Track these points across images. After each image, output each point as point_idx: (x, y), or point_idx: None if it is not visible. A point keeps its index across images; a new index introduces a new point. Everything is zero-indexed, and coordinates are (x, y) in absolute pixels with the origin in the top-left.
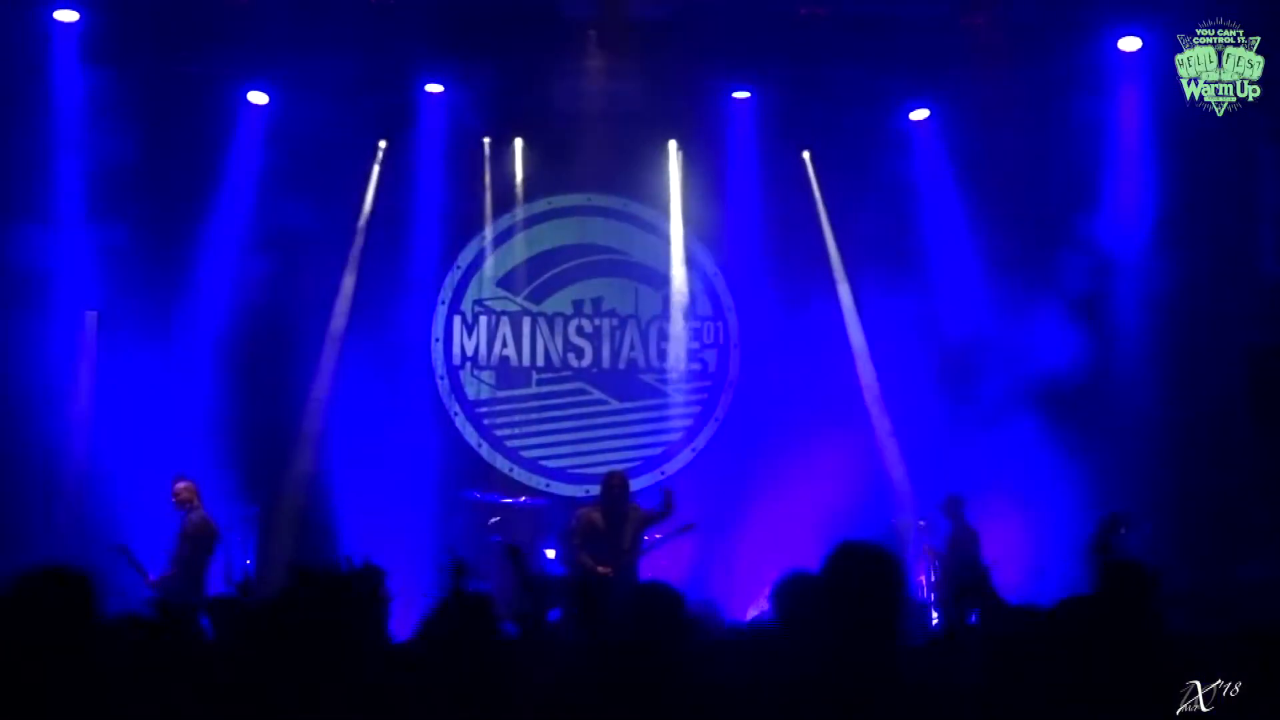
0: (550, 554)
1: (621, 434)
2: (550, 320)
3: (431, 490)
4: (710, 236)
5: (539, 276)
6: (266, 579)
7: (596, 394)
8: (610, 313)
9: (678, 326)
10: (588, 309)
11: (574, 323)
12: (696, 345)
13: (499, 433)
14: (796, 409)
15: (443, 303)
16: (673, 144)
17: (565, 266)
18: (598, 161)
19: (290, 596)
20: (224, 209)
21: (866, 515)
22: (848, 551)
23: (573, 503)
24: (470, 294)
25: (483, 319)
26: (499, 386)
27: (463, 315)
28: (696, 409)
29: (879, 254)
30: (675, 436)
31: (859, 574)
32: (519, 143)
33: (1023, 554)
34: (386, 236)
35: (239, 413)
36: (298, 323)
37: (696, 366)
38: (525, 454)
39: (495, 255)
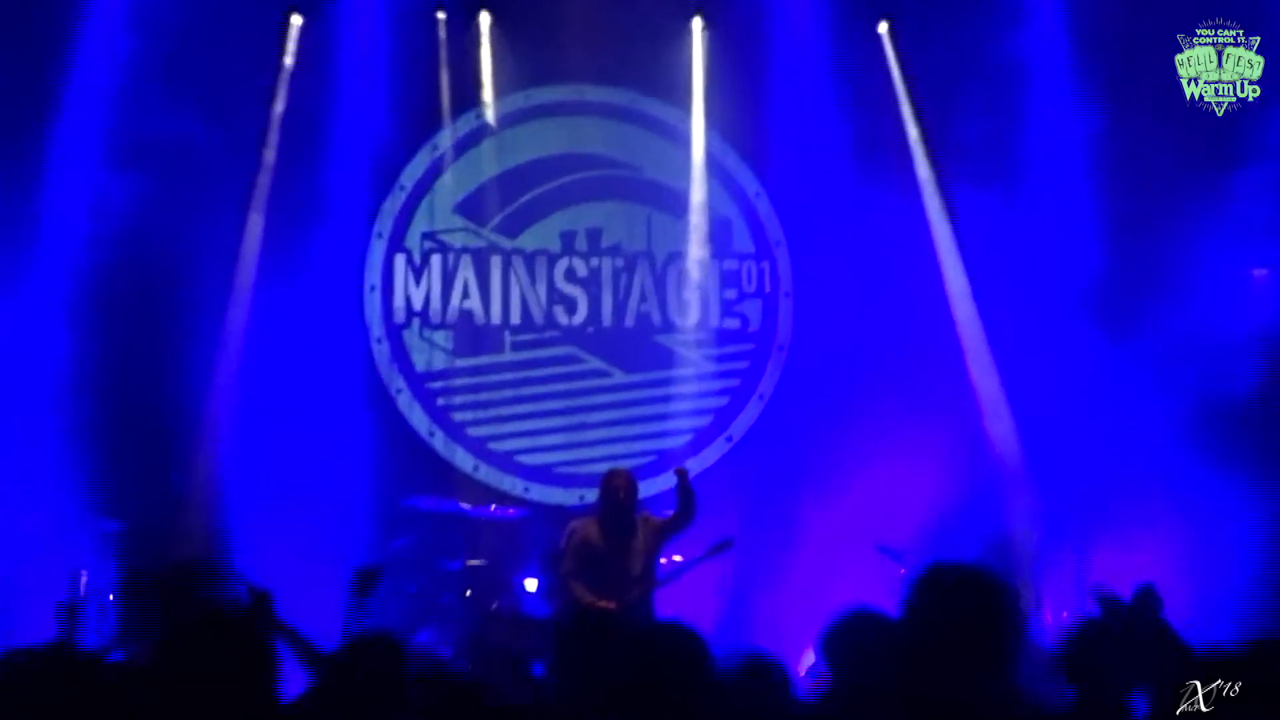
0: (530, 585)
1: (628, 418)
2: (530, 260)
3: (366, 497)
4: (750, 144)
5: (514, 200)
6: (131, 624)
7: (594, 363)
8: (613, 250)
9: (706, 268)
10: (581, 245)
11: (562, 264)
12: (732, 294)
13: (458, 417)
14: (869, 381)
15: (379, 237)
16: (697, 21)
17: (550, 186)
18: (594, 42)
19: (161, 650)
20: (74, 116)
21: (967, 527)
22: (938, 579)
23: (561, 513)
24: (418, 225)
25: (435, 260)
26: (458, 353)
27: (408, 255)
28: (733, 383)
29: (984, 165)
30: (703, 422)
31: (955, 612)
32: (485, 18)
33: (1181, 575)
34: (303, 149)
35: (102, 392)
36: (183, 269)
37: (733, 324)
38: (495, 446)
39: (453, 171)
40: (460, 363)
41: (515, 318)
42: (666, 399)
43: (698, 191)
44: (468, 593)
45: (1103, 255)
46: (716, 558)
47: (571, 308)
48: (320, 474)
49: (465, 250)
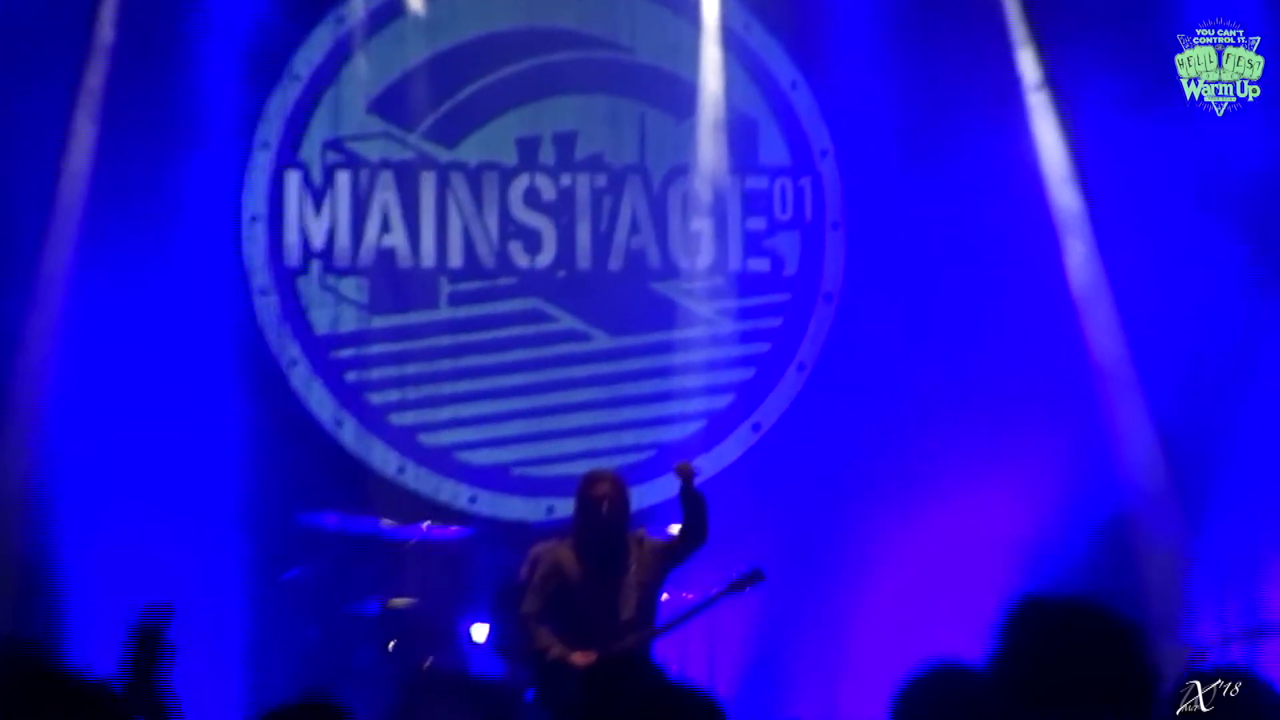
0: (478, 634)
1: (615, 399)
2: (475, 178)
3: (246, 514)
4: (784, 14)
5: (452, 95)
6: None
7: (566, 321)
8: (592, 163)
9: (722, 189)
10: (547, 156)
11: (521, 183)
12: (759, 224)
13: (377, 399)
14: (951, 349)
15: (264, 148)
16: None
17: (502, 75)
18: None
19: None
20: None
21: (1082, 553)
22: (1039, 617)
23: (521, 533)
24: (318, 130)
25: (343, 178)
26: (376, 309)
27: (304, 172)
28: (761, 348)
29: (1115, 52)
30: (721, 403)
31: (1062, 660)
32: None
33: None
34: (153, 25)
35: None
36: None
37: (760, 266)
38: (428, 440)
39: (366, 54)
40: (379, 323)
41: (455, 259)
42: (668, 372)
43: (712, 80)
44: (391, 645)
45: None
46: (740, 595)
47: (534, 245)
48: (181, 483)
49: (384, 165)
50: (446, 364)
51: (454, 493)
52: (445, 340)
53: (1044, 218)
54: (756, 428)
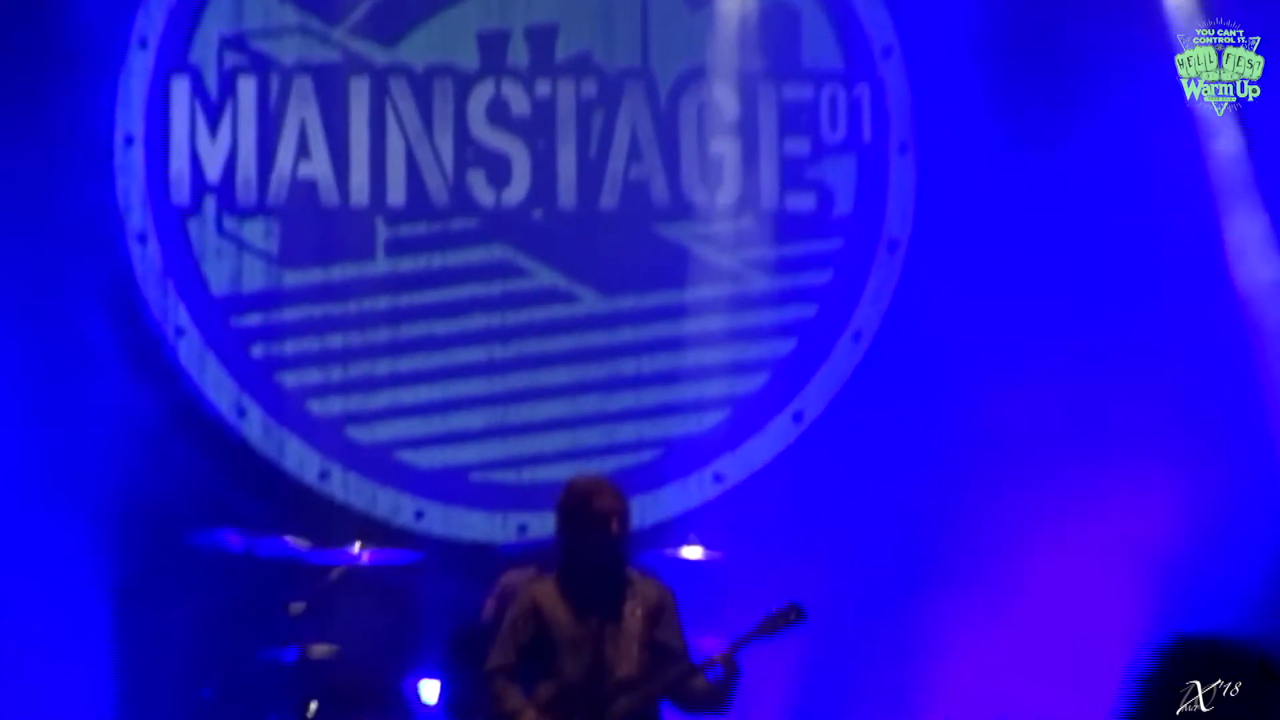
0: (427, 693)
1: (610, 379)
2: (422, 87)
3: (117, 529)
4: None
5: None
6: None
7: (544, 277)
8: (578, 65)
9: (752, 99)
10: (518, 57)
11: (483, 93)
12: (802, 147)
13: (292, 380)
14: (1058, 317)
15: (142, 47)
16: None
17: None
18: None
19: None
20: None
21: (1231, 582)
22: (1193, 662)
23: (483, 558)
24: (213, 22)
25: (247, 86)
26: (289, 260)
27: (195, 79)
28: (805, 313)
29: None
30: (751, 385)
31: (1220, 711)
32: None
33: None
34: None
35: None
36: None
37: (804, 202)
38: (360, 434)
39: None
40: (294, 280)
41: (395, 195)
42: (679, 344)
43: None
44: (311, 707)
45: None
46: (773, 637)
47: (500, 175)
48: (34, 492)
49: (302, 69)
50: (384, 334)
51: (394, 505)
52: (383, 302)
53: (1196, 162)
54: (798, 418)
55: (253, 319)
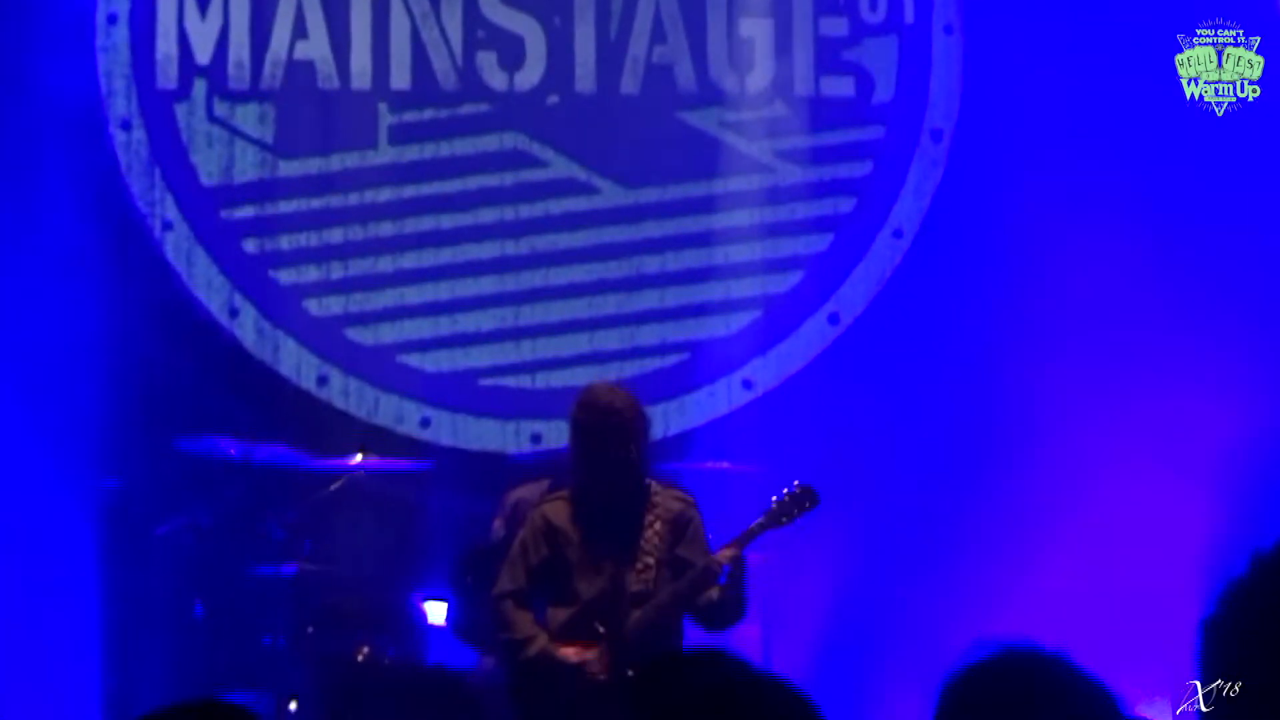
0: (433, 613)
1: (630, 278)
2: None
3: (103, 436)
4: None
5: None
6: None
7: (560, 167)
8: None
9: None
10: None
11: None
12: (840, 27)
13: (287, 277)
14: (1117, 213)
15: None
16: None
17: None
18: None
19: None
20: None
21: None
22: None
23: (493, 469)
24: None
25: None
26: (285, 149)
27: None
28: (843, 207)
29: None
30: (784, 284)
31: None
32: None
33: None
34: None
35: None
36: None
37: (840, 87)
38: (360, 335)
39: None
40: (291, 169)
41: (401, 78)
42: (706, 240)
43: None
44: (310, 628)
45: None
46: (788, 526)
47: (513, 56)
48: (9, 395)
49: None
50: (387, 228)
51: (399, 412)
52: (385, 194)
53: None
54: (834, 319)
55: (246, 211)
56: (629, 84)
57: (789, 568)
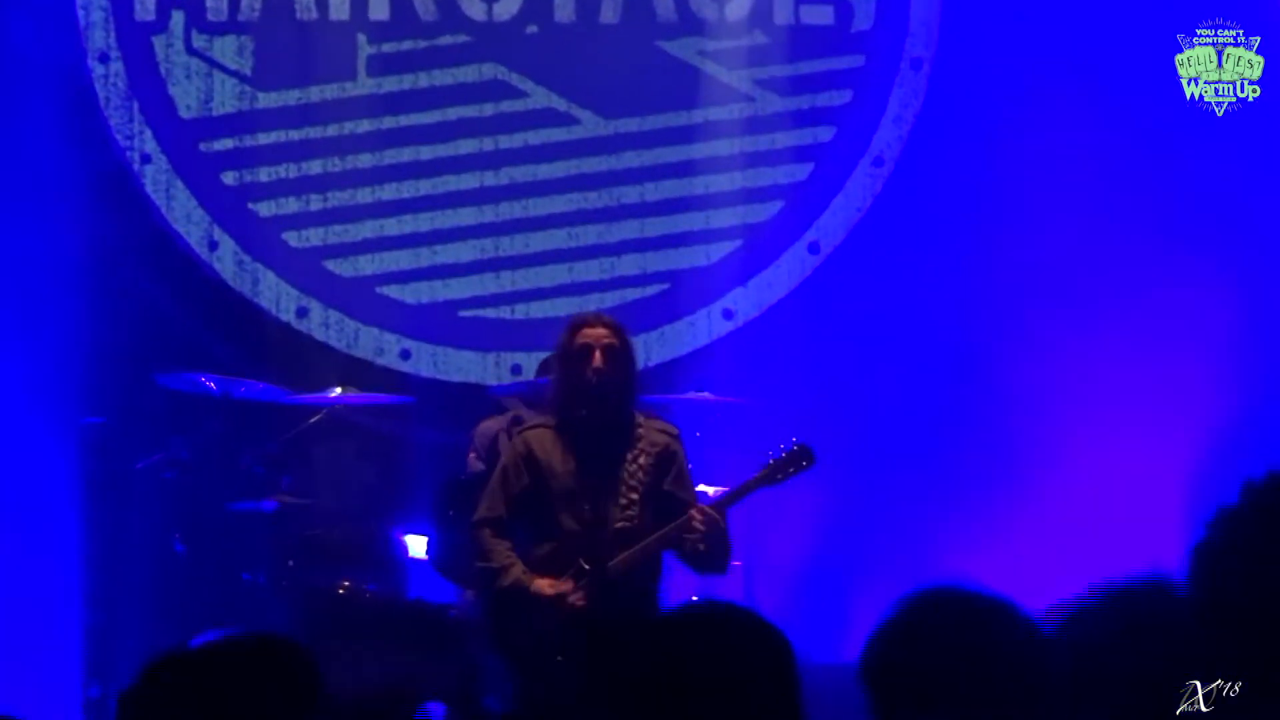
0: (414, 546)
1: (610, 208)
2: None
3: (80, 371)
4: None
5: None
6: None
7: (540, 97)
8: None
9: None
10: None
11: None
12: None
13: (266, 210)
14: (1098, 141)
15: None
16: None
17: None
18: None
19: None
20: None
21: None
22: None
23: (473, 400)
24: None
25: None
26: (264, 80)
27: None
28: (823, 136)
29: None
30: (764, 214)
31: None
32: None
33: None
34: None
35: None
36: None
37: (820, 15)
38: (339, 267)
39: None
40: (268, 100)
41: (379, 9)
42: (686, 169)
43: None
44: (291, 562)
45: None
46: (782, 485)
47: None
48: None
49: None
50: (366, 159)
51: (378, 344)
52: (365, 125)
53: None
54: (814, 249)
55: (225, 144)
56: (608, 14)
57: (769, 500)
